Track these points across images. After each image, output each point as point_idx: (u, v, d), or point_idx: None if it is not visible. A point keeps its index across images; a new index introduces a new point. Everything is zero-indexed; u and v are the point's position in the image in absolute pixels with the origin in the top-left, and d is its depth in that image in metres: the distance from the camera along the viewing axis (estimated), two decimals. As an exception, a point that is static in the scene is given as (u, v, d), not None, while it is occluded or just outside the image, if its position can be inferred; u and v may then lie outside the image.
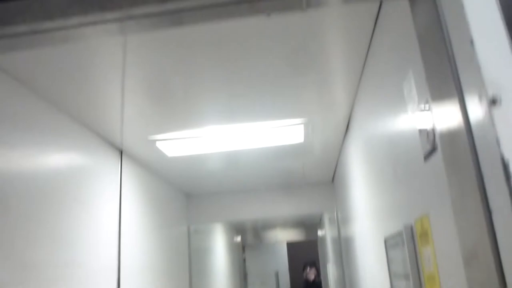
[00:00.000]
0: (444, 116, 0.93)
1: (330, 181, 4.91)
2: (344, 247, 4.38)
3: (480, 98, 0.74)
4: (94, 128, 2.66)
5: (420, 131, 1.39)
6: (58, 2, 1.03)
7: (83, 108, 2.36)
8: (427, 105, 1.26)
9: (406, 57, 1.41)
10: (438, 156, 1.21)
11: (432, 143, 1.30)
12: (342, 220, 4.41)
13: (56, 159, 2.29)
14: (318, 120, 2.84)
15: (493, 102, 0.72)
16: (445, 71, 0.87)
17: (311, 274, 8.69)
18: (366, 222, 2.77)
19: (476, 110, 0.77)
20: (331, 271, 6.35)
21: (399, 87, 1.55)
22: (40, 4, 1.04)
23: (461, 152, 0.87)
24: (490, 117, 0.72)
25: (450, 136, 0.92)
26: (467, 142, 0.82)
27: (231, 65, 2.02)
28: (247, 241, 9.79)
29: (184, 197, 4.98)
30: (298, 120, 2.79)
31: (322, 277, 7.95)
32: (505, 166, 0.71)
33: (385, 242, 2.13)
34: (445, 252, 1.25)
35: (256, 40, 1.82)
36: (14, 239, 1.87)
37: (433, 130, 1.28)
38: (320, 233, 8.05)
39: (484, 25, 0.78)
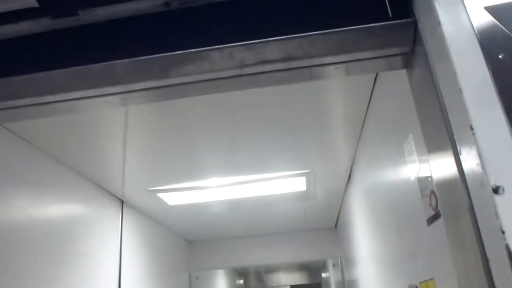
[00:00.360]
0: (448, 196, 0.92)
1: (333, 227, 4.85)
2: (349, 293, 4.27)
3: (482, 186, 0.73)
4: (95, 179, 2.65)
5: (422, 194, 1.38)
6: (60, 78, 1.05)
7: (85, 161, 2.36)
8: (429, 172, 1.25)
9: (406, 119, 1.41)
10: (441, 223, 1.20)
11: (435, 209, 1.28)
12: (346, 264, 4.32)
13: (57, 211, 2.27)
14: (320, 171, 2.83)
15: (495, 191, 0.71)
16: (446, 151, 0.86)
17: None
18: (371, 273, 2.71)
19: (479, 197, 0.75)
20: (336, 318, 6.16)
21: (400, 147, 1.54)
22: (43, 79, 1.06)
23: (465, 232, 0.85)
24: (493, 206, 0.71)
25: (454, 214, 0.91)
26: (471, 225, 0.81)
27: (234, 120, 2.03)
28: (250, 285, 9.56)
29: (186, 243, 4.91)
30: (301, 171, 2.78)
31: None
32: (511, 258, 0.69)
33: (391, 298, 2.08)
34: (453, 322, 1.21)
35: (259, 98, 1.84)
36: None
37: (435, 196, 1.26)
38: (324, 275, 7.88)
39: (483, 109, 0.78)
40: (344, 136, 2.34)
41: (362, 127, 2.22)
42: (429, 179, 1.27)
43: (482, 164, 0.72)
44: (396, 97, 1.54)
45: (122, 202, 3.11)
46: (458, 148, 0.81)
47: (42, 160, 2.18)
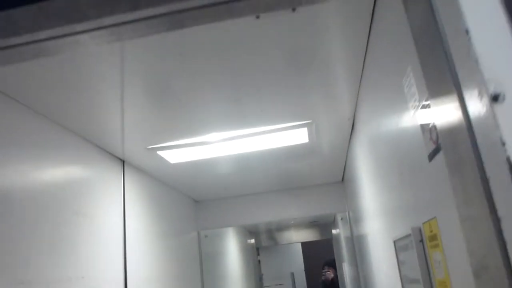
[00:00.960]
0: (444, 115, 0.84)
1: (340, 180, 4.82)
2: (358, 246, 4.28)
3: (480, 95, 0.66)
4: (94, 139, 2.61)
5: (423, 129, 1.30)
6: (24, 17, 0.97)
7: (80, 120, 2.30)
8: (428, 103, 1.17)
9: (404, 53, 1.33)
10: (442, 156, 1.13)
11: (435, 142, 1.21)
12: (354, 219, 4.31)
13: (54, 173, 2.24)
14: (321, 121, 2.76)
15: (494, 99, 0.63)
16: (442, 67, 0.78)
17: (330, 274, 8.46)
18: (376, 222, 2.68)
19: (477, 108, 0.68)
20: (346, 271, 6.25)
21: (399, 84, 1.46)
22: (5, 20, 0.98)
23: (464, 153, 0.78)
24: (492, 115, 0.64)
25: (451, 136, 0.84)
26: (469, 142, 0.74)
27: (232, 71, 1.94)
28: (261, 243, 9.71)
29: (192, 203, 4.92)
30: (301, 122, 2.71)
31: (338, 277, 7.82)
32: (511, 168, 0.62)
33: (395, 243, 2.04)
34: (456, 258, 1.17)
35: (256, 44, 1.74)
36: (14, 256, 1.82)
37: (436, 129, 1.19)
38: (334, 232, 7.95)
39: (481, 12, 0.69)
40: (344, 83, 2.25)
41: (362, 71, 2.12)
42: (429, 110, 1.19)
43: (480, 70, 0.64)
44: (393, 33, 1.45)
45: (123, 162, 3.08)
46: (454, 58, 0.72)
47: (39, 122, 2.13)
